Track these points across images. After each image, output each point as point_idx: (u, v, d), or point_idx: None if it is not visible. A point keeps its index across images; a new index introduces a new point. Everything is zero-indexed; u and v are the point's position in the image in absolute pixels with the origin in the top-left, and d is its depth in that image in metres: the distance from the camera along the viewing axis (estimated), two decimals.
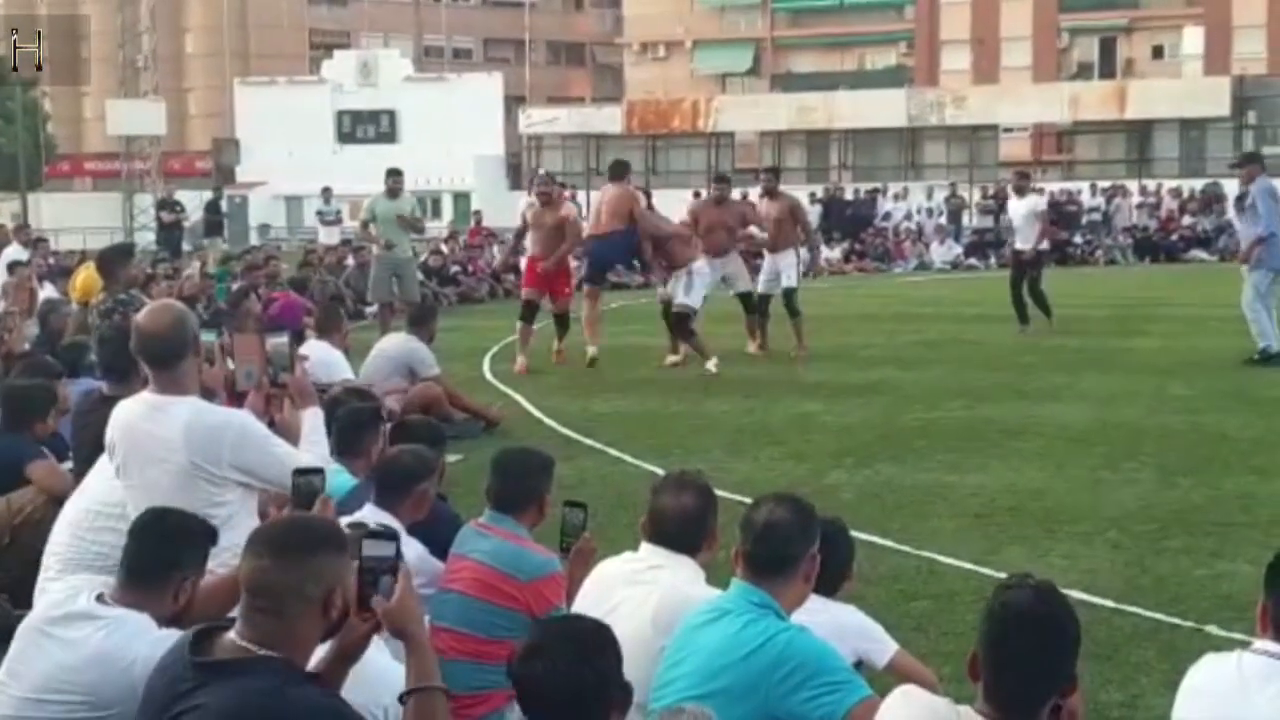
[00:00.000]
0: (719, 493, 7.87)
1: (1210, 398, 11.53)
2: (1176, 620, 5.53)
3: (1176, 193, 36.59)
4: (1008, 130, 47.31)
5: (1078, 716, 2.99)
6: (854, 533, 6.39)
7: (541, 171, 17.18)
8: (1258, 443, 9.53)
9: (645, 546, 4.00)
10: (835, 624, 3.85)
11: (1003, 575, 6.33)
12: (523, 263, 16.04)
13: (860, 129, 46.19)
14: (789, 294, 14.95)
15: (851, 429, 10.50)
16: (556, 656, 2.83)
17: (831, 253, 33.79)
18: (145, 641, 3.46)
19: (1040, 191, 18.04)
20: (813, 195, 37.54)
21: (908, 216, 36.65)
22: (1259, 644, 3.08)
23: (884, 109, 45.61)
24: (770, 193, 15.29)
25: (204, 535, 3.86)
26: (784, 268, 15.08)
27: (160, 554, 3.74)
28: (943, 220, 36.16)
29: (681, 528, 3.94)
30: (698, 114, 47.36)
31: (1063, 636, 2.82)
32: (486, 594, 4.31)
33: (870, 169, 45.29)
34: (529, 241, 14.58)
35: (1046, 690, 2.81)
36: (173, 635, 3.19)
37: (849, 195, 38.79)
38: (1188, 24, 56.03)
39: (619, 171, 14.67)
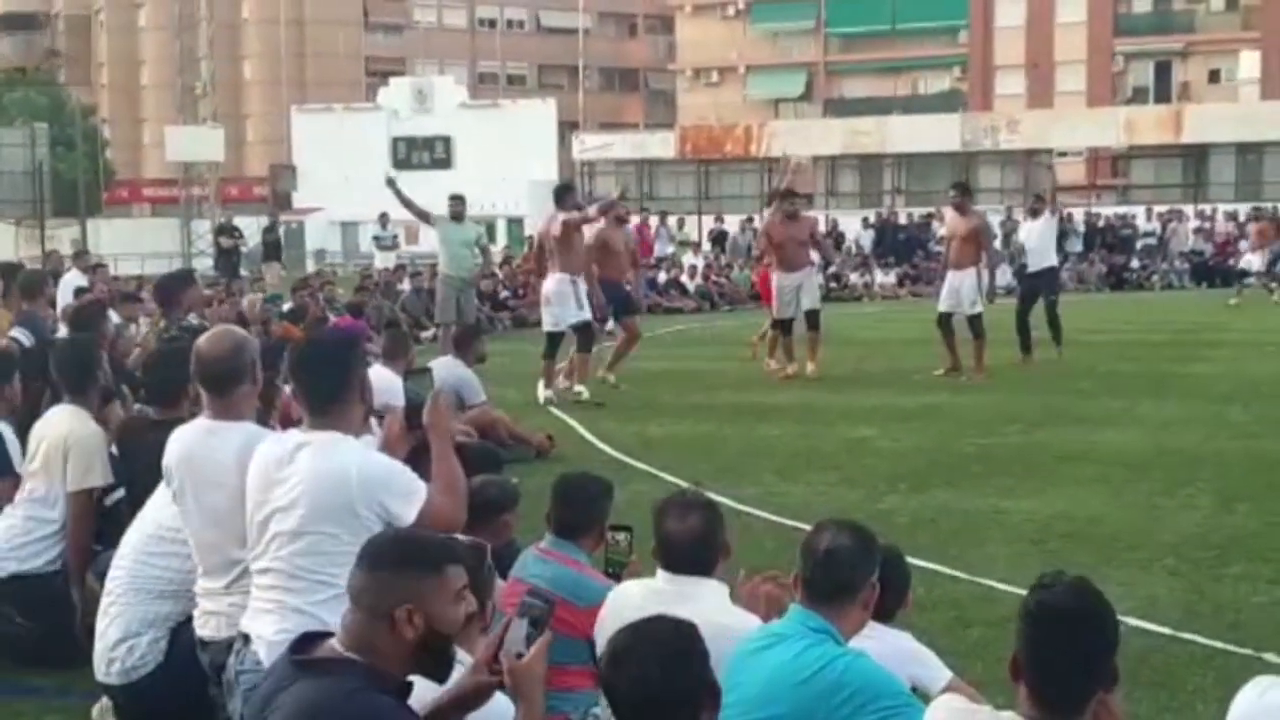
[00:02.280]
0: (770, 517, 8.12)
1: (1268, 423, 11.42)
2: (1234, 648, 5.49)
3: (1233, 216, 36.27)
4: (1062, 155, 47.02)
5: (1116, 715, 2.96)
6: (909, 559, 6.45)
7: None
8: None
9: (662, 574, 3.99)
10: (890, 650, 3.85)
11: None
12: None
13: (913, 153, 46.04)
14: (976, 317, 14.86)
15: (906, 454, 10.48)
16: (644, 661, 2.83)
17: (885, 277, 33.76)
18: None
19: (1054, 213, 17.46)
20: (865, 220, 37.53)
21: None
22: None
23: (937, 133, 45.46)
24: (959, 208, 15.35)
25: None
26: (966, 288, 14.96)
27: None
28: (997, 245, 35.92)
29: (694, 550, 3.93)
30: (750, 139, 47.38)
31: (1101, 632, 2.83)
32: None
33: (924, 194, 45.07)
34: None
35: (1089, 687, 2.81)
36: None
37: (902, 219, 38.71)
38: (1244, 48, 55.66)
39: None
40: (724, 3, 64.18)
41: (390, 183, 16.25)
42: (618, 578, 4.45)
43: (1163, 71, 57.54)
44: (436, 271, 18.27)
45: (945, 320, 15.00)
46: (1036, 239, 16.55)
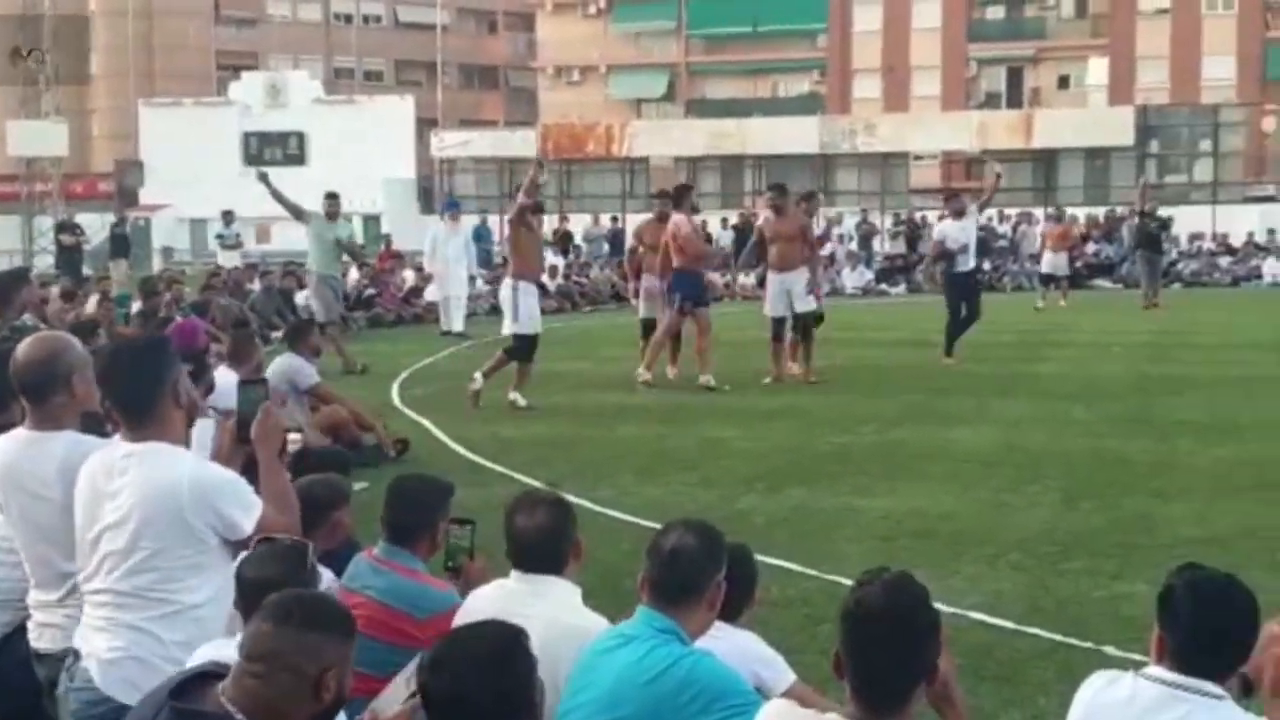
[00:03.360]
0: (626, 517, 8.11)
1: (1112, 422, 11.74)
2: (1075, 641, 5.61)
3: (1083, 219, 37.25)
4: (918, 158, 47.93)
5: (951, 685, 2.98)
6: (764, 557, 6.47)
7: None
8: (1157, 465, 9.73)
9: (514, 573, 3.96)
10: (735, 649, 3.85)
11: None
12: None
13: (773, 155, 46.54)
14: (807, 317, 14.63)
15: (764, 454, 10.55)
16: (463, 668, 2.80)
17: (746, 278, 34.03)
18: None
19: (980, 211, 17.48)
20: (725, 220, 37.78)
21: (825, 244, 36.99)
22: (1152, 670, 3.12)
23: (797, 136, 46.02)
24: (778, 209, 14.99)
25: None
26: (798, 289, 14.61)
27: None
28: (854, 246, 36.52)
29: (542, 548, 3.90)
30: (612, 139, 47.45)
31: (916, 625, 2.83)
32: (381, 632, 4.17)
33: None
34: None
35: (910, 681, 2.83)
36: None
37: (761, 221, 39.08)
38: (1093, 55, 57.29)
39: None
40: (585, 1, 64.18)
41: (263, 177, 16.03)
42: (456, 572, 4.35)
43: (1015, 77, 58.91)
44: (307, 270, 18.08)
45: (780, 325, 14.65)
46: (964, 239, 16.07)
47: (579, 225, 36.46)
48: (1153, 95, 51.86)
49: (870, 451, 10.54)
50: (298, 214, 16.56)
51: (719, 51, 63.33)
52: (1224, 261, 35.35)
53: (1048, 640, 5.84)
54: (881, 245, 37.88)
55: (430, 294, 23.95)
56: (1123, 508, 8.37)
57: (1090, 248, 35.65)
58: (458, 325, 21.02)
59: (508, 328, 13.06)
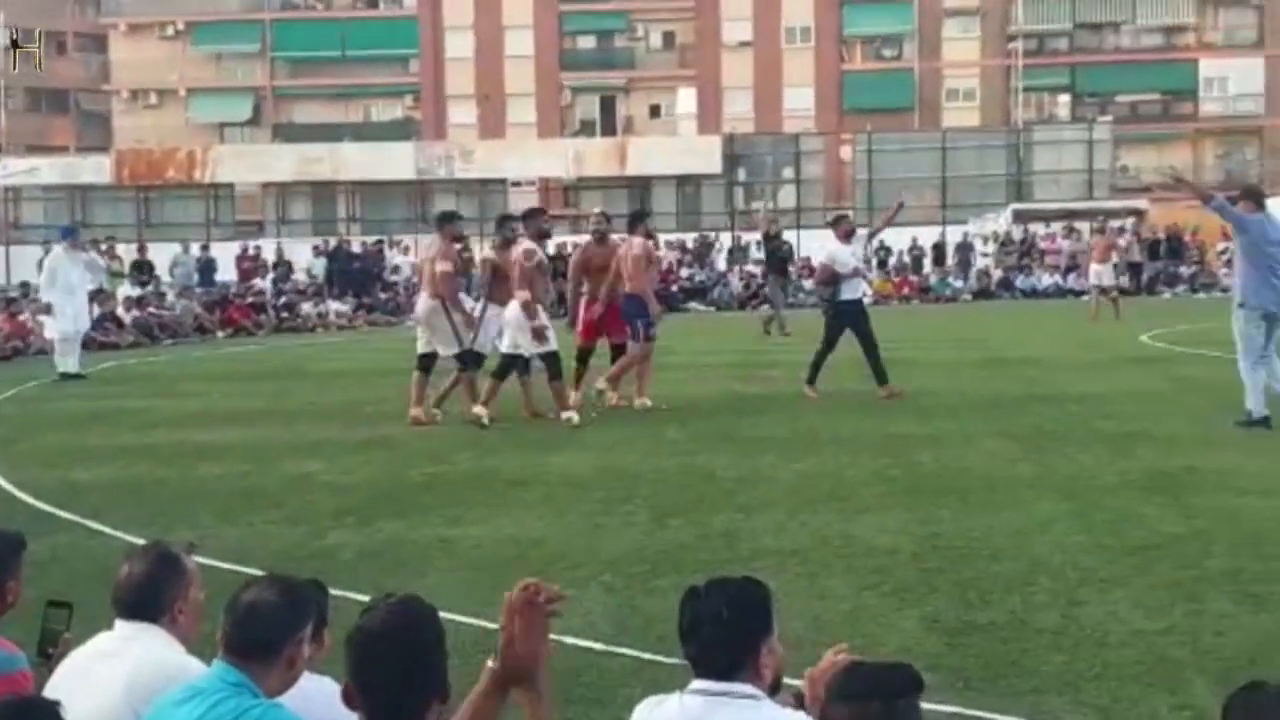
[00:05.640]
0: (207, 561, 7.60)
1: (702, 440, 12.04)
2: (662, 658, 5.62)
3: (674, 245, 38.57)
4: (515, 184, 48.45)
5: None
6: (352, 594, 6.23)
7: (598, 210, 16.07)
8: (742, 481, 10.01)
9: (117, 622, 3.81)
10: (302, 695, 3.66)
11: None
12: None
13: (368, 181, 45.99)
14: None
15: (354, 487, 10.24)
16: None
17: (341, 306, 33.38)
18: None
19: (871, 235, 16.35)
20: (316, 248, 36.99)
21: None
22: (695, 684, 3.18)
23: (392, 161, 45.68)
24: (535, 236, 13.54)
25: None
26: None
27: None
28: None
29: (137, 596, 3.77)
30: (194, 164, 45.64)
31: (419, 645, 2.91)
32: None
33: (380, 222, 45.14)
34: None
35: (419, 700, 2.89)
36: None
37: (356, 248, 38.46)
38: (681, 85, 59.70)
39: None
40: (163, 22, 61.52)
41: None
42: (48, 655, 3.98)
43: (608, 105, 60.58)
44: None
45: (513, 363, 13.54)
46: (854, 262, 15.08)
47: (166, 254, 34.71)
48: (739, 124, 54.47)
49: (463, 480, 10.40)
50: None
51: (306, 75, 62.08)
52: (807, 284, 37.40)
53: (635, 659, 5.85)
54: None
55: (48, 329, 21.47)
56: (710, 524, 8.54)
57: (685, 272, 36.94)
58: (73, 365, 18.83)
59: (462, 345, 13.23)
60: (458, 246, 14.03)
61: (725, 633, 3.15)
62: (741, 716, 3.10)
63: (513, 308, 13.05)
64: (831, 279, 15.03)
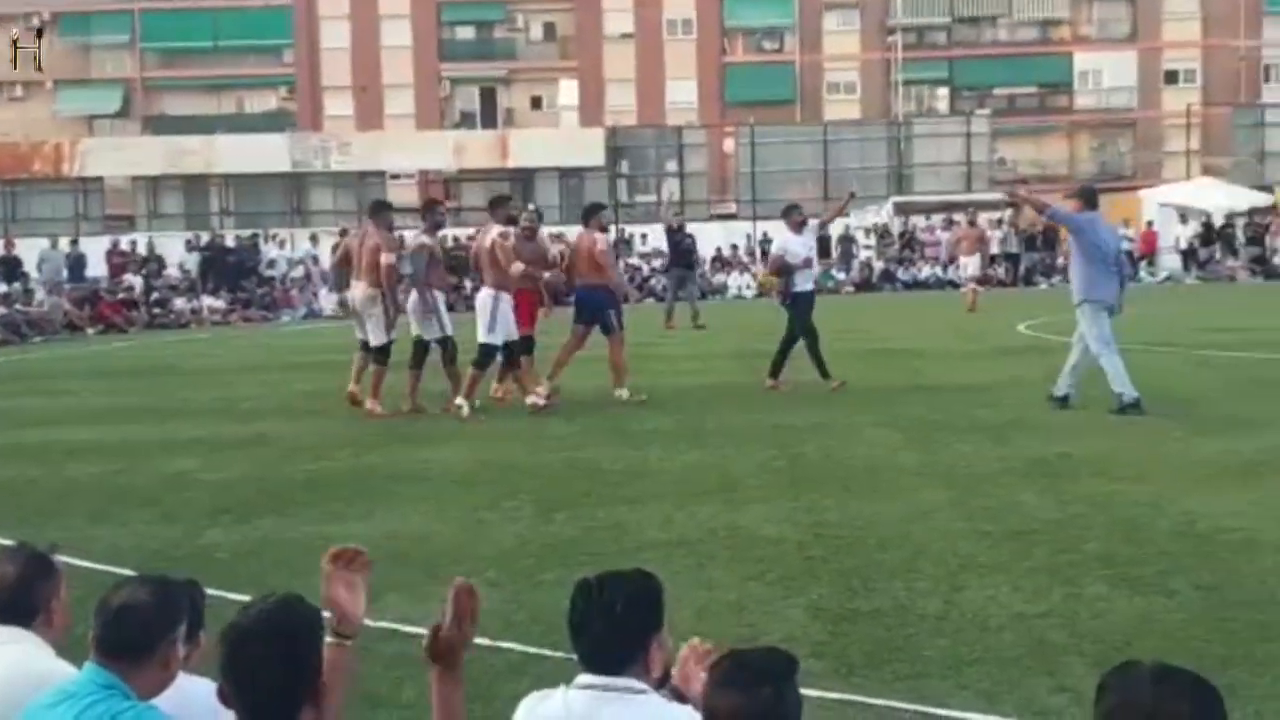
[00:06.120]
0: (79, 563, 7.39)
1: (588, 434, 12.00)
2: (548, 652, 5.57)
3: (557, 239, 38.31)
4: (395, 177, 47.91)
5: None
6: (229, 593, 6.09)
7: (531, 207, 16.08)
8: (627, 474, 9.99)
9: None
10: (180, 697, 3.58)
11: (382, 624, 6.26)
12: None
13: (242, 174, 45.16)
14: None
15: (231, 485, 10.04)
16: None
17: (215, 302, 32.77)
18: None
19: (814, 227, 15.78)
20: (189, 243, 36.29)
21: (294, 264, 36.21)
22: (581, 678, 3.18)
23: (267, 154, 44.89)
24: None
25: None
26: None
27: None
28: (327, 267, 36.00)
29: (9, 598, 3.69)
30: (62, 157, 44.48)
31: (293, 645, 2.90)
32: None
33: (254, 215, 44.35)
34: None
35: (293, 701, 2.88)
36: None
37: (230, 242, 37.75)
38: (563, 77, 59.45)
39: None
40: (27, 13, 59.81)
41: None
42: None
43: (488, 97, 60.14)
44: None
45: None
46: (805, 253, 14.90)
47: (33, 250, 33.78)
48: (621, 117, 54.44)
49: (344, 477, 10.25)
50: None
51: (177, 66, 60.79)
52: (721, 278, 37.66)
53: (521, 653, 5.79)
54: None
55: None
56: (596, 517, 8.50)
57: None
58: None
59: (482, 336, 13.26)
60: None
61: (617, 627, 3.13)
62: (627, 711, 3.08)
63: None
64: (784, 270, 14.97)
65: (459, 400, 13.22)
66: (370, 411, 13.40)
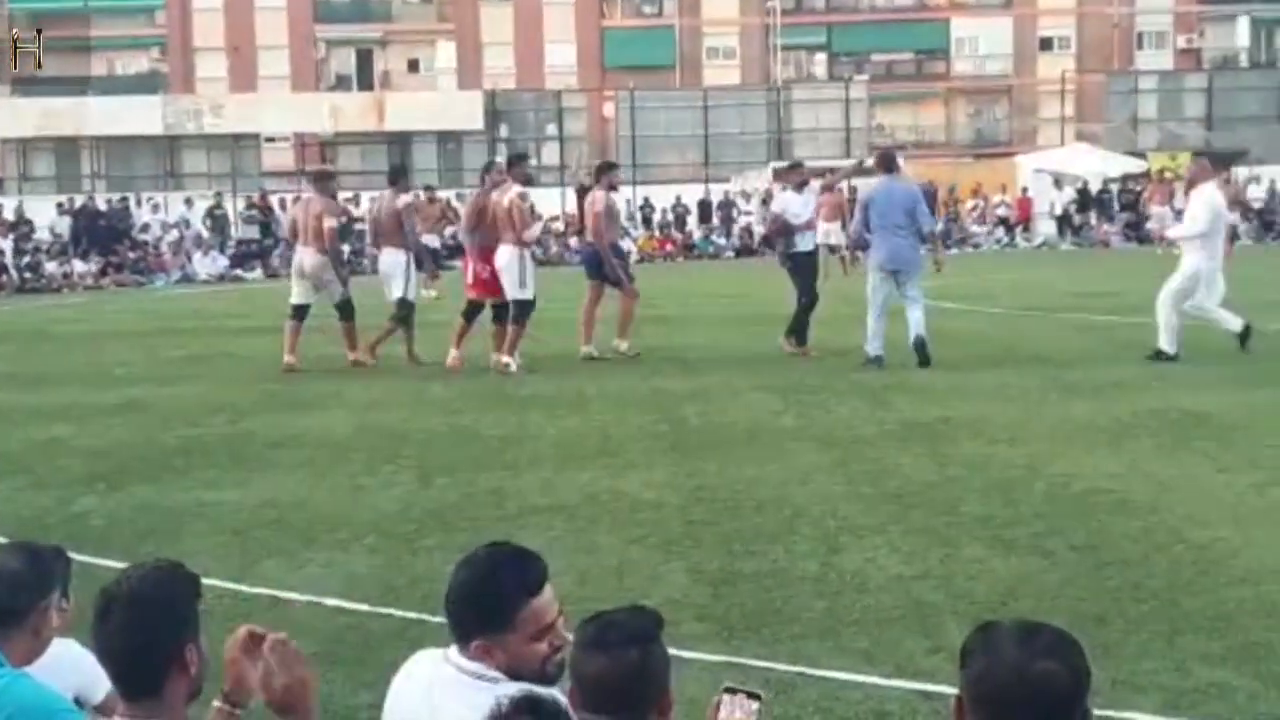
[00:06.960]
0: None
1: (468, 399, 11.92)
2: (428, 617, 5.54)
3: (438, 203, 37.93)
4: (270, 140, 47.00)
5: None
6: (105, 560, 5.98)
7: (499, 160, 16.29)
8: (508, 440, 9.95)
9: None
10: (50, 659, 3.53)
11: (260, 591, 6.19)
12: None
13: (114, 136, 44.04)
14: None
15: (104, 451, 9.84)
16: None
17: (87, 266, 31.98)
18: None
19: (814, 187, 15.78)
20: (60, 206, 35.35)
21: (169, 228, 35.46)
22: (453, 651, 3.11)
23: (138, 116, 43.80)
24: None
25: None
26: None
27: None
28: (205, 231, 35.33)
29: None
30: None
31: (164, 611, 2.80)
32: None
33: (127, 179, 43.30)
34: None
35: (155, 664, 2.80)
36: None
37: (102, 205, 36.85)
38: (440, 39, 58.59)
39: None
40: None
41: None
42: None
43: (365, 60, 59.08)
44: None
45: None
46: (806, 214, 14.73)
47: None
48: (500, 80, 53.85)
49: (220, 443, 10.08)
50: None
51: (45, 27, 58.84)
52: (574, 242, 37.39)
53: (402, 619, 5.76)
54: (235, 230, 36.83)
55: None
56: (476, 483, 8.46)
57: (449, 230, 36.40)
58: None
59: (513, 294, 13.42)
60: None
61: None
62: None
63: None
64: (784, 230, 14.73)
65: (505, 358, 13.44)
66: (358, 361, 14.12)
